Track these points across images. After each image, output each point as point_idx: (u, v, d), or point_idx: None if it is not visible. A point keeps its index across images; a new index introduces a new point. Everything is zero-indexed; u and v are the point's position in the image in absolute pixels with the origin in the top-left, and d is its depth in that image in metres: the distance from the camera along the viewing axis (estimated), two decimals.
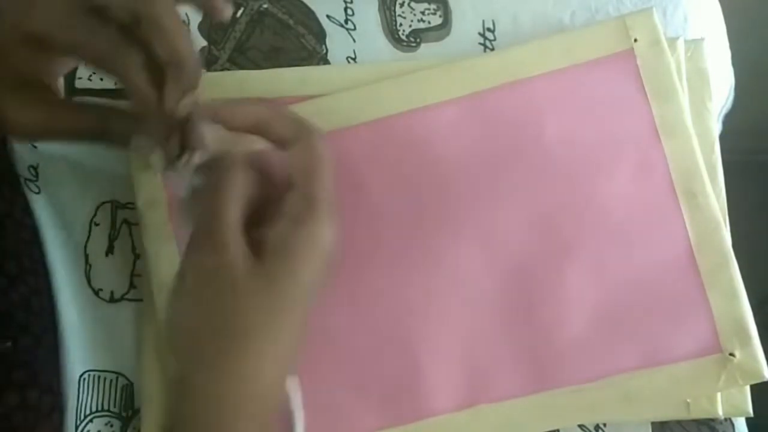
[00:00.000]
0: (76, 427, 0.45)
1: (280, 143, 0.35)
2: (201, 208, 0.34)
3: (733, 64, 0.52)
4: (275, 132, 0.35)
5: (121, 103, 0.35)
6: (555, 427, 0.44)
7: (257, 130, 0.35)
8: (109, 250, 0.48)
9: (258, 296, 0.33)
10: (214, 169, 0.35)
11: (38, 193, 0.48)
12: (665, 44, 0.46)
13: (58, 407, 0.45)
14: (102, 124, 0.36)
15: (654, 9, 0.46)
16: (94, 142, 0.37)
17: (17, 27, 0.33)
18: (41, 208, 0.47)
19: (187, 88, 0.34)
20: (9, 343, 0.42)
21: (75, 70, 0.48)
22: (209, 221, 0.33)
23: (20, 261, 0.45)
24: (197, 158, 0.35)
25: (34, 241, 0.47)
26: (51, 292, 0.46)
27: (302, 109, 0.46)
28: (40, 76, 0.36)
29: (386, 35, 0.49)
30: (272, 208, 0.34)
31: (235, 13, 0.49)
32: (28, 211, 0.47)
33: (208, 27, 0.49)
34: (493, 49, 0.48)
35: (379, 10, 0.49)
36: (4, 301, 0.43)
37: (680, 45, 0.46)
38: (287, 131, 0.35)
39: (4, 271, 0.43)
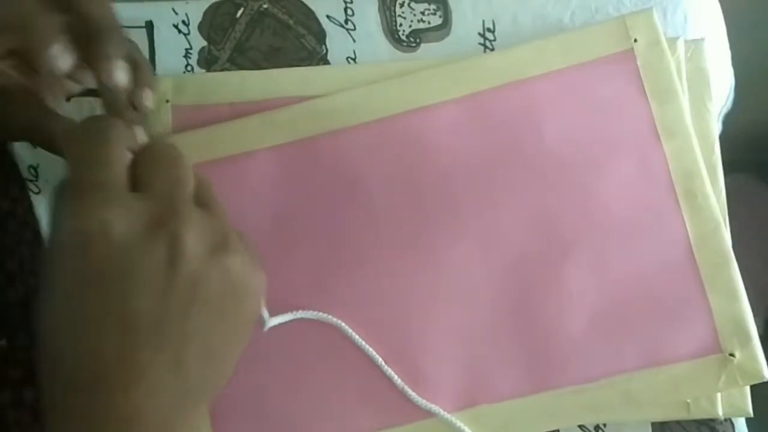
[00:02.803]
0: None
1: None
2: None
3: (733, 64, 0.52)
4: None
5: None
6: (555, 427, 0.44)
7: None
8: None
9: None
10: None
11: (38, 193, 0.48)
12: (665, 44, 0.46)
13: None
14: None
15: (654, 9, 0.46)
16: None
17: None
18: (41, 208, 0.47)
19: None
20: (3, 341, 0.42)
21: None
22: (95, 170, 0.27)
23: (21, 259, 0.45)
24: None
25: (36, 240, 0.47)
26: None
27: (302, 110, 0.46)
28: None
29: (386, 35, 0.49)
30: None
31: (235, 13, 0.49)
32: (31, 210, 0.47)
33: (208, 27, 0.49)
34: (493, 49, 0.48)
35: (379, 10, 0.49)
36: (1, 298, 0.43)
37: (680, 45, 0.46)
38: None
39: (4, 268, 0.43)
